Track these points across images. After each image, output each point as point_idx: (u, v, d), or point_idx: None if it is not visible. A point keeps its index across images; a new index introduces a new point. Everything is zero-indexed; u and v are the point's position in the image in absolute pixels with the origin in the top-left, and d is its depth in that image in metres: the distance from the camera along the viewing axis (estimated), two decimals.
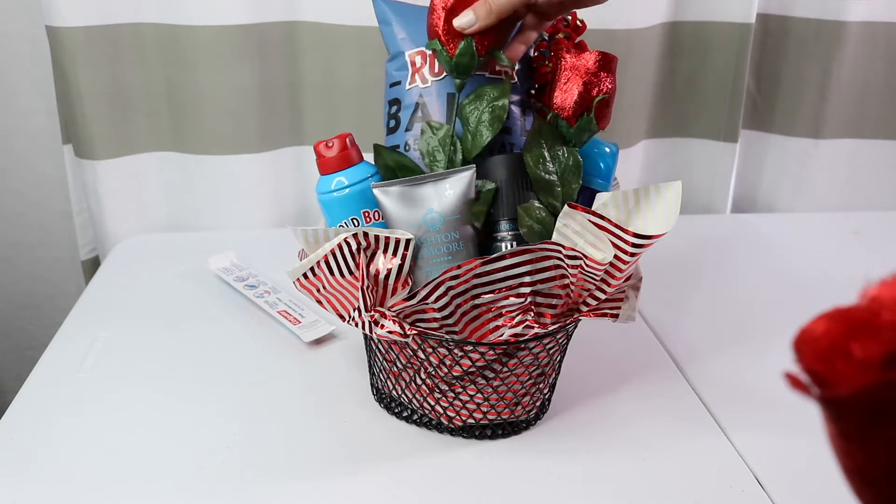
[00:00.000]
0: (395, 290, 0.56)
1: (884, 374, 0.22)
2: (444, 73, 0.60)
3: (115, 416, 0.64)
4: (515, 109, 0.62)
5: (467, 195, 0.57)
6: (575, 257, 0.53)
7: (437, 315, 0.55)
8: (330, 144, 0.59)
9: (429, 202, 0.57)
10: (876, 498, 0.23)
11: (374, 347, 0.62)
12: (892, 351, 0.22)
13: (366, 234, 0.53)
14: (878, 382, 0.21)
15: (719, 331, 0.79)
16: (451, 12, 0.56)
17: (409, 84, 0.61)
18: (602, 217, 0.53)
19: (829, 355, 0.22)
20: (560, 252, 0.53)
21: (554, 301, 0.56)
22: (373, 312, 0.54)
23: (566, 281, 0.55)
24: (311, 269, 0.55)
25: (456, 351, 0.56)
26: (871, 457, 0.23)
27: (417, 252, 0.57)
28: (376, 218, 0.59)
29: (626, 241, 0.52)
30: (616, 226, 0.53)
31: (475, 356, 0.56)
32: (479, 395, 0.59)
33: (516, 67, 0.62)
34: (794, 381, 0.22)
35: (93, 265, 1.04)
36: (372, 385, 0.67)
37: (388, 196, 0.57)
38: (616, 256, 0.53)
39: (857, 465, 0.23)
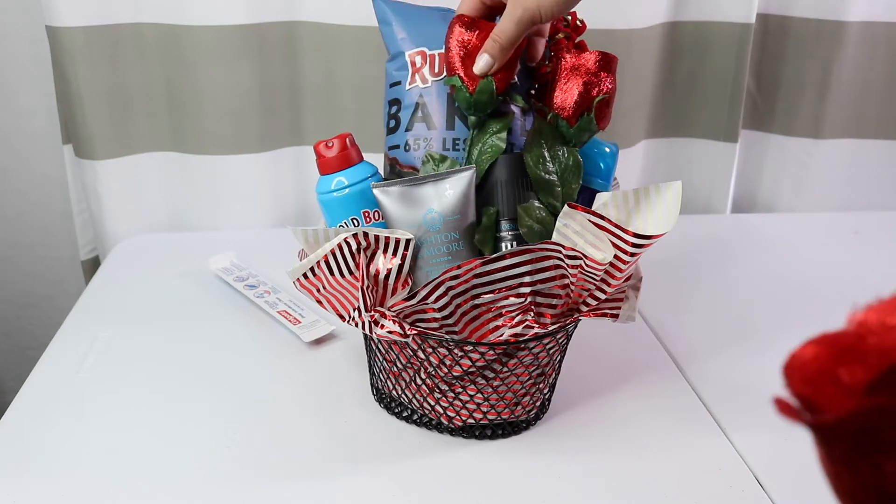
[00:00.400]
0: (395, 290, 0.56)
1: (868, 400, 0.22)
2: (443, 75, 0.61)
3: (115, 416, 0.63)
4: (516, 109, 0.62)
5: (467, 195, 0.57)
6: (575, 257, 0.53)
7: (437, 315, 0.55)
8: (330, 144, 0.59)
9: (429, 202, 0.57)
10: None
11: (374, 347, 0.62)
12: (877, 376, 0.22)
13: (366, 234, 0.53)
14: (863, 408, 0.22)
15: (719, 331, 0.79)
16: (468, 55, 0.57)
17: (409, 84, 0.61)
18: (602, 217, 0.53)
19: (817, 380, 0.23)
20: (560, 252, 0.53)
21: (554, 301, 0.56)
22: (373, 312, 0.54)
23: (566, 281, 0.55)
24: (311, 269, 0.55)
25: (456, 351, 0.56)
26: (858, 480, 0.23)
27: (417, 252, 0.57)
28: (376, 218, 0.59)
29: (626, 241, 0.52)
30: (616, 226, 0.53)
31: (475, 356, 0.56)
32: (479, 395, 0.59)
33: (517, 68, 0.62)
34: (783, 407, 0.22)
35: (93, 265, 1.04)
36: (372, 385, 0.67)
37: (388, 196, 0.57)
38: (616, 256, 0.53)
39: (845, 488, 0.24)
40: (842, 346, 0.23)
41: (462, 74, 0.57)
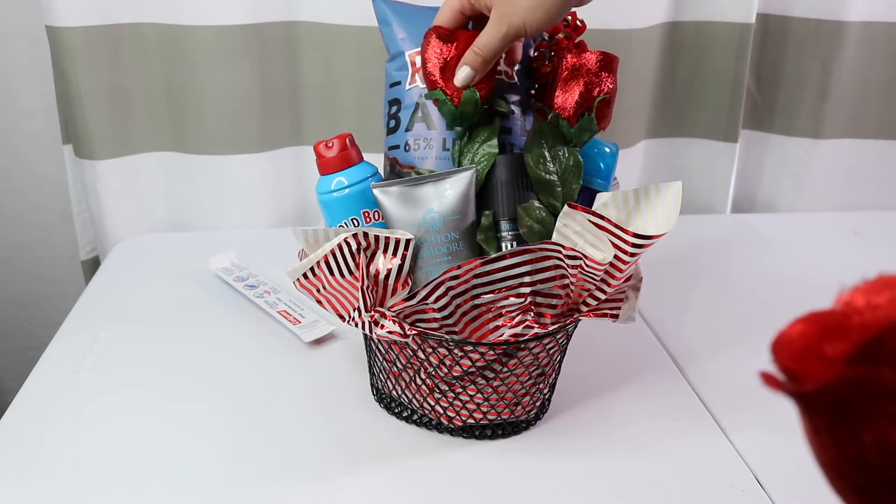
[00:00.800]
0: (395, 291, 0.56)
1: (848, 370, 0.23)
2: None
3: (115, 416, 0.64)
4: (515, 109, 0.62)
5: (467, 195, 0.57)
6: (575, 257, 0.53)
7: (437, 315, 0.55)
8: (330, 144, 0.59)
9: (428, 202, 0.57)
10: (847, 489, 0.25)
11: (374, 347, 0.62)
12: (857, 348, 0.23)
13: (366, 234, 0.53)
14: (842, 377, 0.22)
15: (719, 331, 0.79)
16: (448, 68, 0.57)
17: (409, 84, 0.61)
18: (602, 217, 0.53)
19: (802, 355, 0.24)
20: (560, 252, 0.53)
21: (554, 301, 0.56)
22: (373, 312, 0.54)
23: (566, 281, 0.55)
24: (311, 269, 0.55)
25: (456, 351, 0.56)
26: (839, 449, 0.24)
27: (417, 252, 0.57)
28: (376, 218, 0.59)
29: (626, 242, 0.52)
30: (616, 226, 0.53)
31: (475, 356, 0.56)
32: (479, 395, 0.59)
33: (516, 68, 0.62)
34: (767, 379, 0.23)
35: (93, 265, 1.04)
36: (372, 385, 0.67)
37: (388, 196, 0.57)
38: (616, 256, 0.53)
39: (828, 457, 0.25)
40: (828, 323, 0.24)
41: (444, 88, 0.57)
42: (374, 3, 0.64)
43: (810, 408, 0.24)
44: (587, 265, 0.53)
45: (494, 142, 0.59)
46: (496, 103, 0.60)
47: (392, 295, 0.56)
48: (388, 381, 0.62)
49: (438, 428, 0.62)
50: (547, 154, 0.58)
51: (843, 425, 0.23)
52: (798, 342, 0.24)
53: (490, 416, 0.60)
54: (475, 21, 0.58)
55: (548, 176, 0.58)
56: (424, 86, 0.61)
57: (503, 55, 0.59)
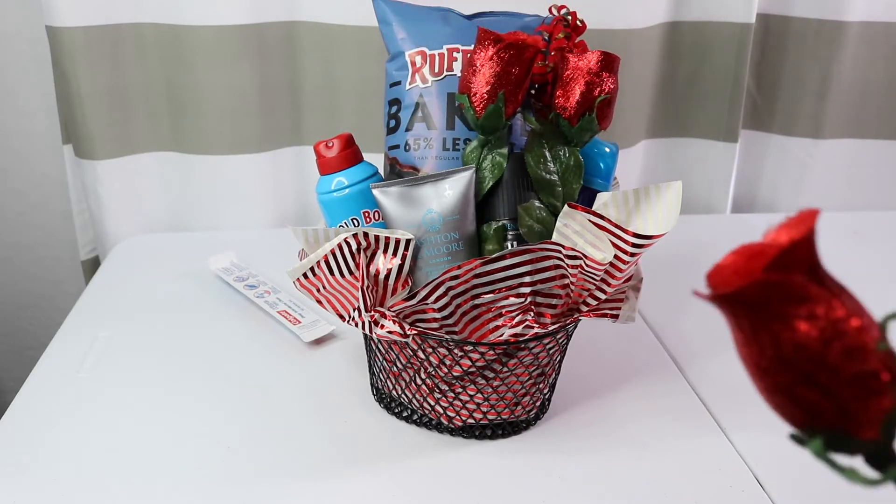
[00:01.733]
0: (395, 290, 0.56)
1: (763, 275, 0.27)
2: (443, 75, 0.61)
3: (115, 416, 0.63)
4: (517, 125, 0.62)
5: (467, 195, 0.57)
6: (575, 257, 0.53)
7: (437, 315, 0.55)
8: (330, 144, 0.59)
9: (428, 202, 0.57)
10: (770, 386, 0.29)
11: (374, 347, 0.62)
12: (773, 259, 0.27)
13: (366, 234, 0.53)
14: (758, 281, 0.26)
15: (719, 331, 0.78)
16: (478, 72, 0.55)
17: (410, 84, 0.61)
18: (602, 217, 0.53)
19: (731, 278, 0.28)
20: (560, 252, 0.53)
21: (554, 301, 0.56)
22: (373, 312, 0.54)
23: (566, 281, 0.55)
24: (311, 269, 0.55)
25: (456, 351, 0.56)
26: (763, 351, 0.28)
27: (417, 252, 0.57)
28: (376, 218, 0.59)
29: (626, 242, 0.52)
30: (616, 226, 0.53)
31: (475, 356, 0.56)
32: (479, 395, 0.59)
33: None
34: (699, 294, 0.27)
35: (93, 265, 1.04)
36: (372, 385, 0.67)
37: (388, 196, 0.57)
38: (616, 256, 0.53)
39: (755, 360, 0.28)
40: (754, 251, 0.28)
41: (471, 95, 0.56)
42: (374, 3, 0.64)
43: (735, 314, 0.28)
44: (587, 265, 0.53)
45: (504, 151, 0.58)
46: (526, 118, 0.60)
47: (392, 295, 0.56)
48: (388, 381, 0.62)
49: (438, 428, 0.62)
50: (547, 154, 0.58)
51: (763, 328, 0.27)
52: (729, 268, 0.28)
53: (490, 416, 0.60)
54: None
55: (548, 176, 0.58)
56: (425, 86, 0.61)
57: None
